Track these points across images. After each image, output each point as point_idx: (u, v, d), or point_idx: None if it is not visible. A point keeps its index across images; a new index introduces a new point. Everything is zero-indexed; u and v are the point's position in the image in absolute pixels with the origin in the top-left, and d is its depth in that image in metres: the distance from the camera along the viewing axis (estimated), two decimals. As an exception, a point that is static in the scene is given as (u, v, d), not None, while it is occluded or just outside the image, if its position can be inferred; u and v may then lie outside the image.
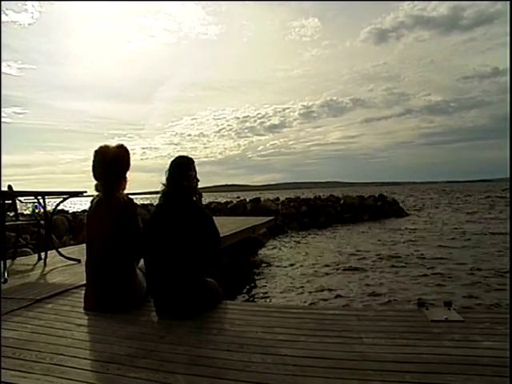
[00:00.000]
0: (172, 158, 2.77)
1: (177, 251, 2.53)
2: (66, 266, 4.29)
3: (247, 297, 5.95)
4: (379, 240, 11.82)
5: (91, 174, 2.81)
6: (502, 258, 8.34)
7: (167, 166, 2.73)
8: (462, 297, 5.59)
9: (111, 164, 2.77)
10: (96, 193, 2.82)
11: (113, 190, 2.77)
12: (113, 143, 2.87)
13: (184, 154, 2.89)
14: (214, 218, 2.81)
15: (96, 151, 2.80)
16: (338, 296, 5.85)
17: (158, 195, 2.75)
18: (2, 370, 1.72)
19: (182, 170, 2.69)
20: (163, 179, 2.71)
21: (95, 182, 2.80)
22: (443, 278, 6.75)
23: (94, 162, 2.78)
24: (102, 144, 2.84)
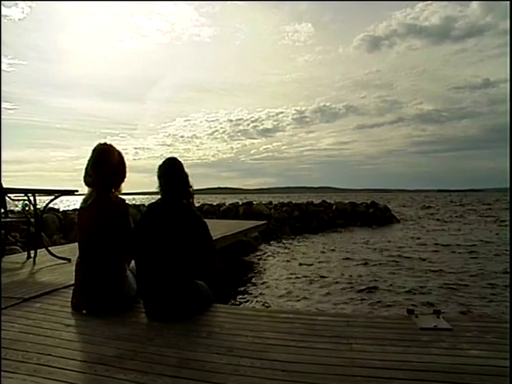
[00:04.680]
0: (163, 160, 2.75)
1: (168, 253, 2.52)
2: (55, 264, 4.24)
3: (238, 300, 5.93)
4: (371, 247, 11.87)
5: (87, 168, 2.74)
6: (495, 265, 8.42)
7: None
8: (451, 305, 5.63)
9: (116, 166, 2.76)
10: (87, 190, 2.78)
11: (108, 191, 2.74)
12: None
13: (177, 155, 2.89)
14: (206, 220, 2.81)
15: (101, 148, 2.76)
16: (327, 302, 5.86)
17: (148, 196, 2.73)
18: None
19: (175, 171, 2.69)
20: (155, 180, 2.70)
21: (88, 177, 2.74)
22: (434, 286, 6.80)
23: (95, 158, 2.73)
24: (99, 142, 2.81)
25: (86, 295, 2.65)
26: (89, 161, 2.75)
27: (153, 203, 2.73)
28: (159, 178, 2.68)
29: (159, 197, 2.71)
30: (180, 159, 2.77)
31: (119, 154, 2.82)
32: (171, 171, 2.68)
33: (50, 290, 3.18)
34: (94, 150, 2.76)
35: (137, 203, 17.87)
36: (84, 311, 2.64)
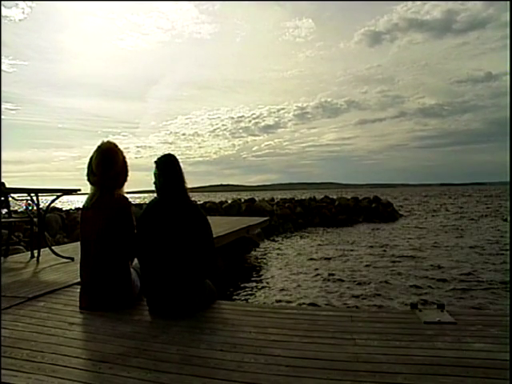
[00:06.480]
0: (158, 156, 2.74)
1: (172, 250, 2.52)
2: (58, 264, 4.26)
3: (241, 297, 5.94)
4: (372, 243, 11.87)
5: (90, 166, 2.73)
6: (496, 261, 8.42)
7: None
8: (454, 299, 5.62)
9: (121, 166, 2.76)
10: (90, 189, 2.78)
11: (113, 189, 2.74)
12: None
13: (179, 153, 2.86)
14: (209, 217, 2.81)
15: (107, 148, 2.74)
16: (328, 298, 5.86)
17: (150, 194, 2.72)
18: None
19: (175, 167, 2.68)
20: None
21: (92, 176, 2.73)
22: (436, 280, 6.79)
23: (101, 157, 2.71)
24: (103, 140, 2.79)
25: (94, 295, 2.65)
26: (92, 159, 2.74)
27: (153, 200, 2.72)
28: (157, 174, 2.67)
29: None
30: (175, 155, 2.77)
31: (122, 153, 2.82)
32: (169, 168, 2.67)
33: (53, 288, 3.19)
34: (99, 149, 2.74)
35: (140, 202, 17.90)
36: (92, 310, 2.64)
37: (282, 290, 6.31)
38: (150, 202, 2.74)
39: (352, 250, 10.31)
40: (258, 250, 10.55)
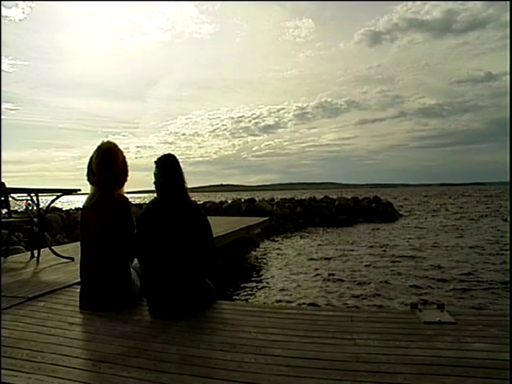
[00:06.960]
0: (159, 156, 2.75)
1: (173, 250, 2.52)
2: (58, 264, 4.26)
3: (241, 296, 5.94)
4: (372, 243, 11.87)
5: (90, 166, 2.73)
6: (496, 262, 8.41)
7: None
8: (454, 299, 5.62)
9: (121, 166, 2.76)
10: (90, 189, 2.78)
11: (113, 189, 2.74)
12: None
13: (179, 153, 2.86)
14: (209, 217, 2.81)
15: (107, 148, 2.75)
16: (328, 298, 5.86)
17: (150, 194, 2.72)
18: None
19: (175, 167, 2.68)
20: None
21: (92, 176, 2.73)
22: (436, 280, 6.79)
23: (101, 158, 2.71)
24: (103, 140, 2.80)
25: (94, 295, 2.65)
26: (92, 159, 2.74)
27: (153, 200, 2.72)
28: (157, 174, 2.68)
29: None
30: (175, 155, 2.77)
31: (122, 153, 2.82)
32: (169, 168, 2.67)
33: (53, 288, 3.19)
34: (99, 149, 2.74)
35: (140, 202, 17.88)
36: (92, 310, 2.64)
37: (282, 289, 6.31)
38: (149, 202, 2.74)
39: (352, 250, 10.31)
40: (258, 249, 10.55)
